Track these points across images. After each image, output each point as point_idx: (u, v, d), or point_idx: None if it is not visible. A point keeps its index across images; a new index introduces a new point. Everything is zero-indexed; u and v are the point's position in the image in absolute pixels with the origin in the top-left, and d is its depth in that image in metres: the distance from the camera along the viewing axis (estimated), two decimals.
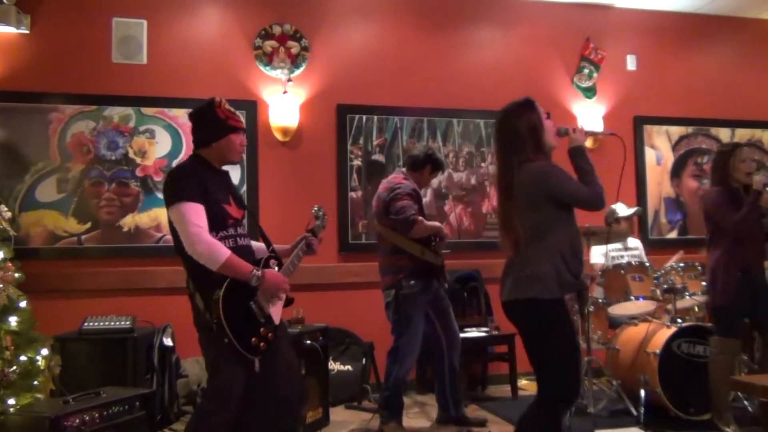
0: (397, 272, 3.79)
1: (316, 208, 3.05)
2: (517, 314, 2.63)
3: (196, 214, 2.55)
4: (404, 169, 4.02)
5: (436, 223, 3.92)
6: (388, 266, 3.85)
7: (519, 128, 2.67)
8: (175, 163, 4.82)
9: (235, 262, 2.55)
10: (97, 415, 2.80)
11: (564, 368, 2.57)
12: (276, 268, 2.75)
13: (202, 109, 2.83)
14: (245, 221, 2.86)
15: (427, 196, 5.24)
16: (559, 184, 2.59)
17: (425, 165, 3.95)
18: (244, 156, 4.93)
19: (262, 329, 2.60)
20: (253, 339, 2.56)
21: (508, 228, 2.64)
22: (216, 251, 2.53)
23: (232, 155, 2.79)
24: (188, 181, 2.62)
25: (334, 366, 4.65)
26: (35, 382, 3.39)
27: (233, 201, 2.76)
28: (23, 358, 3.38)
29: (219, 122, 2.76)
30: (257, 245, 2.92)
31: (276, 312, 2.70)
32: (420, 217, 3.75)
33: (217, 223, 2.63)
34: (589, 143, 5.60)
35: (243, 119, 2.95)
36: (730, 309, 3.66)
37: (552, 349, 2.57)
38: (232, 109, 2.83)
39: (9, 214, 3.90)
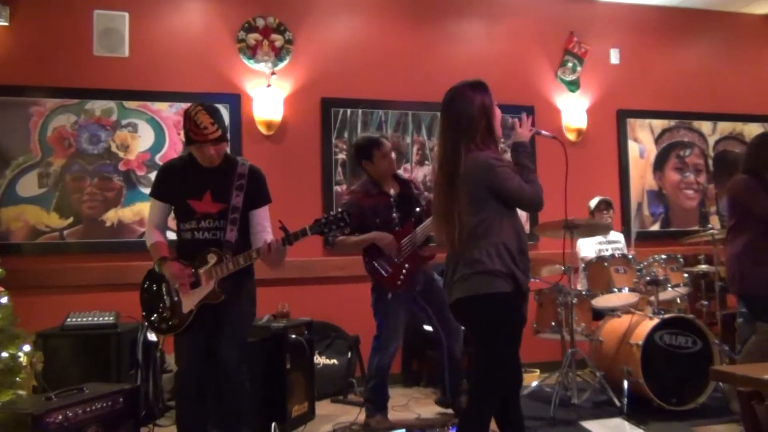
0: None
1: (327, 213, 2.93)
2: (472, 310, 2.54)
3: (151, 207, 3.09)
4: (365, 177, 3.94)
5: (368, 235, 3.71)
6: None
7: (471, 110, 2.51)
8: (159, 158, 4.81)
9: (152, 249, 2.99)
10: (80, 411, 2.77)
11: (513, 358, 2.58)
12: (210, 262, 2.90)
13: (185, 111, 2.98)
14: (234, 215, 2.93)
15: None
16: (504, 181, 2.47)
17: (360, 159, 3.85)
18: (228, 149, 4.91)
19: (165, 312, 2.94)
20: (154, 317, 2.98)
21: (449, 220, 2.51)
22: (147, 238, 3.05)
23: (202, 161, 2.98)
24: (157, 178, 3.09)
25: (320, 360, 4.65)
26: (17, 379, 3.35)
27: (211, 196, 2.95)
28: (5, 354, 3.34)
29: (186, 131, 2.95)
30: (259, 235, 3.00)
31: (188, 300, 2.90)
32: (339, 238, 3.68)
33: (181, 216, 3.01)
34: (572, 137, 5.66)
35: (217, 123, 2.87)
36: (759, 297, 3.51)
37: (506, 340, 2.53)
38: (199, 121, 2.85)
39: None
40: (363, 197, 3.80)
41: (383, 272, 3.74)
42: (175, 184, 3.00)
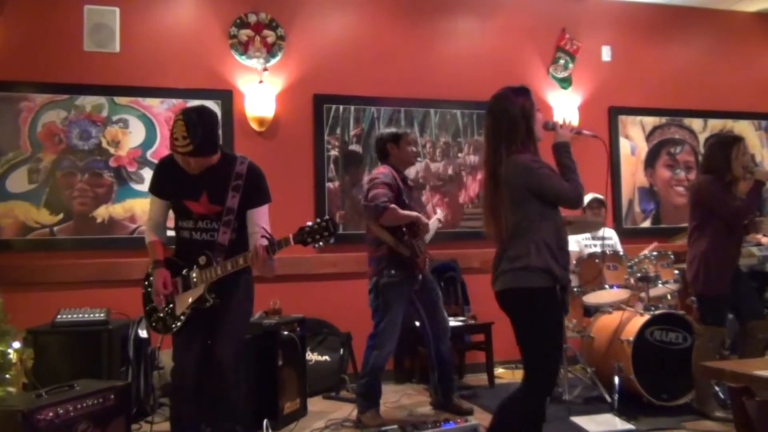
0: (379, 262, 3.83)
1: (313, 221, 2.82)
2: (512, 303, 2.62)
3: (150, 203, 3.09)
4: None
5: (413, 213, 3.85)
6: (371, 256, 3.90)
7: (513, 114, 2.63)
8: (150, 154, 4.78)
9: (149, 247, 3.01)
10: (71, 408, 2.76)
11: (550, 356, 2.62)
12: (200, 265, 2.89)
13: None
14: (228, 217, 2.88)
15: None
16: (542, 181, 2.58)
17: (387, 142, 3.96)
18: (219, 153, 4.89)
19: (161, 312, 2.94)
20: (152, 317, 2.99)
21: (496, 218, 2.63)
22: (146, 235, 3.07)
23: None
24: (154, 174, 3.08)
25: (312, 356, 4.65)
26: (7, 376, 3.33)
27: (207, 197, 2.89)
28: None
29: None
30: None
31: (180, 303, 2.91)
32: (392, 205, 3.71)
33: (179, 214, 2.98)
34: None
35: (193, 137, 2.75)
36: (722, 298, 3.67)
37: (543, 336, 2.58)
38: (174, 129, 2.78)
39: None
40: (394, 175, 3.88)
41: (418, 252, 3.83)
42: (172, 181, 2.95)
